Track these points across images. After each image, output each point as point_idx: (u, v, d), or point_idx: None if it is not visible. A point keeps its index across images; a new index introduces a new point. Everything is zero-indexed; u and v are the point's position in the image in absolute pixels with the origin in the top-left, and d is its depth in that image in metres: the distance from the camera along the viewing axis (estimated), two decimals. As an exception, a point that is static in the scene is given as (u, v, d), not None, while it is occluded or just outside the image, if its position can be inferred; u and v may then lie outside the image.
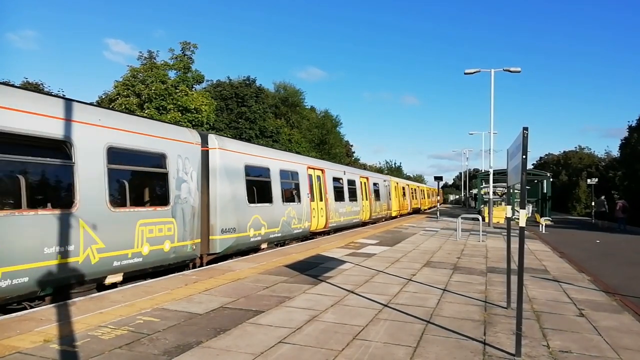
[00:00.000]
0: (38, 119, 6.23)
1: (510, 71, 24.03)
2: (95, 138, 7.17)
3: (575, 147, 71.67)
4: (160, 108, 25.32)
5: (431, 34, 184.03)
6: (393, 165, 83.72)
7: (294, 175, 14.82)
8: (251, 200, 11.74)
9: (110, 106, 23.97)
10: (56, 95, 9.85)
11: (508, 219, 7.13)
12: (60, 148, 6.64)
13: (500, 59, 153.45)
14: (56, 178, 7.00)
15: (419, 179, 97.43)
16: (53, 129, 6.44)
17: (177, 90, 26.30)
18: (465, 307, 6.44)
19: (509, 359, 4.46)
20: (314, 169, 16.74)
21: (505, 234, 7.24)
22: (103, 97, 27.61)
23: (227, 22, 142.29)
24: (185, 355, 4.34)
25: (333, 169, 19.30)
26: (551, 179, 35.57)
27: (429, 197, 56.54)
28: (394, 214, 30.84)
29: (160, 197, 8.79)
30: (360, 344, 4.78)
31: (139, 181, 8.65)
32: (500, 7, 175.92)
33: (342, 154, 51.58)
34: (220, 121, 32.59)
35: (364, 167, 58.16)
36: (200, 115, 27.01)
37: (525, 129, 4.67)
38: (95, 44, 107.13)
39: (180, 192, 9.04)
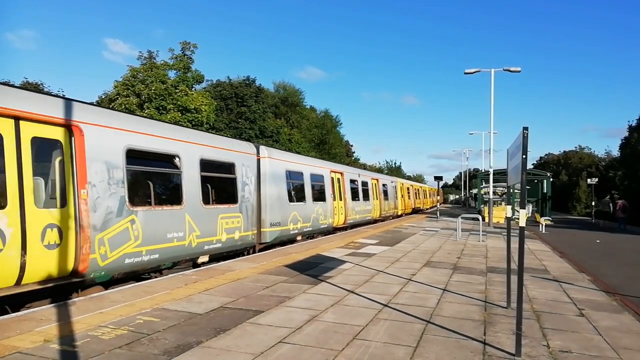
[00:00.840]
0: (161, 140, 8.60)
1: (510, 71, 24.04)
2: (193, 153, 9.46)
3: (576, 147, 71.75)
4: (160, 108, 25.32)
5: (431, 34, 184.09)
6: (393, 165, 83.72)
7: (320, 178, 17.10)
8: (290, 199, 14.06)
9: (110, 106, 23.97)
10: (165, 121, 13.68)
11: (508, 219, 7.13)
12: (173, 161, 8.94)
13: (500, 58, 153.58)
14: (171, 183, 9.20)
15: (419, 178, 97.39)
16: (169, 147, 8.81)
17: (177, 90, 26.29)
18: (465, 307, 6.44)
19: (509, 359, 4.46)
20: (335, 172, 18.89)
21: (505, 233, 7.24)
22: (103, 97, 27.59)
23: (226, 22, 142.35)
24: (185, 355, 4.34)
25: (350, 172, 21.64)
26: (551, 179, 35.56)
27: (428, 197, 56.55)
28: (400, 213, 33.12)
29: (232, 197, 10.97)
30: (360, 343, 4.78)
31: (218, 184, 10.74)
32: (500, 7, 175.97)
33: (342, 154, 51.58)
34: (220, 121, 32.59)
35: (363, 167, 58.14)
36: (200, 115, 27.01)
37: (525, 128, 4.67)
38: (94, 44, 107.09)
39: (244, 193, 11.38)
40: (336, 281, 8.04)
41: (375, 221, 25.03)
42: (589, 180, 34.77)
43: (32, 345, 4.47)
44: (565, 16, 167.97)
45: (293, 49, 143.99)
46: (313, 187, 16.14)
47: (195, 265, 9.59)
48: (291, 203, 14.01)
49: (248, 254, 11.56)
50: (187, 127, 15.30)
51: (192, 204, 9.18)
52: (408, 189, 38.81)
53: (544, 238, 18.89)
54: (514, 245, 6.37)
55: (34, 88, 26.06)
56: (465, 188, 72.42)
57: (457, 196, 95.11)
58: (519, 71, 24.04)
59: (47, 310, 5.73)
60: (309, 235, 15.69)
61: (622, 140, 43.41)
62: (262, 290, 7.21)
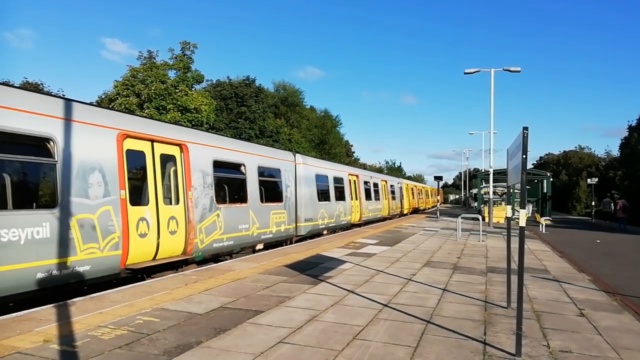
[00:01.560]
0: (233, 153, 11.35)
1: (510, 71, 24.02)
2: (253, 162, 12.07)
3: (576, 147, 71.77)
4: (160, 108, 25.27)
5: (429, 34, 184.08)
6: (393, 165, 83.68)
7: (341, 180, 19.55)
8: (319, 199, 16.58)
9: (110, 106, 23.95)
10: (232, 136, 18.38)
11: (508, 219, 7.13)
12: (240, 168, 11.56)
13: (500, 58, 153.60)
14: (239, 185, 11.66)
15: (418, 178, 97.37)
16: (240, 158, 11.56)
17: (176, 90, 26.25)
18: (465, 307, 6.43)
19: (509, 359, 4.46)
20: (352, 175, 21.43)
21: (505, 233, 7.23)
22: (103, 96, 27.56)
23: (225, 22, 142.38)
24: (185, 355, 4.33)
25: (363, 174, 24.35)
26: (551, 179, 35.56)
27: (429, 196, 56.54)
28: (405, 212, 35.51)
29: (278, 196, 13.54)
30: (360, 343, 4.77)
31: (269, 186, 13.14)
32: (500, 7, 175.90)
33: (342, 154, 51.58)
34: (220, 121, 32.56)
35: (363, 166, 58.13)
36: (200, 115, 26.98)
37: (525, 128, 4.66)
38: (91, 43, 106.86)
39: (287, 193, 14.06)
40: (336, 281, 8.04)
41: (384, 219, 27.59)
42: (589, 180, 34.75)
43: (31, 346, 4.47)
44: (564, 16, 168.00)
45: (292, 49, 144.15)
46: (336, 188, 18.53)
47: (254, 251, 12.18)
48: (319, 202, 16.50)
49: (286, 244, 14.03)
50: (221, 135, 18.40)
51: (253, 202, 11.81)
52: (412, 189, 41.54)
53: (544, 238, 18.89)
54: (514, 245, 6.37)
55: (35, 88, 26.05)
56: (465, 188, 72.37)
57: (457, 196, 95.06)
58: (519, 71, 24.02)
59: (46, 310, 5.73)
60: (333, 230, 18.43)
61: (622, 140, 43.49)
62: (262, 290, 7.20)
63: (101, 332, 4.94)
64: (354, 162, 57.51)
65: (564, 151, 73.35)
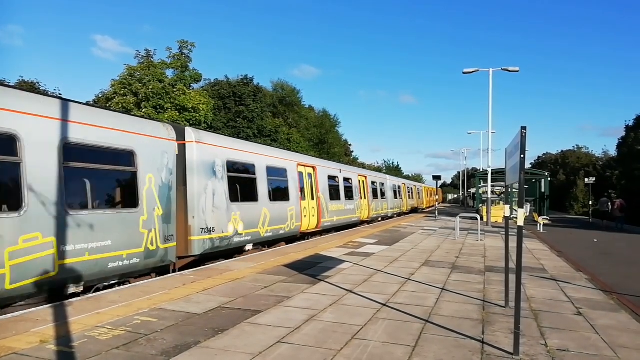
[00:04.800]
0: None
1: (509, 71, 24.06)
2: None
3: (573, 147, 71.89)
4: (158, 107, 25.20)
5: (428, 33, 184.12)
6: (391, 165, 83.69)
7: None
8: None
9: (107, 105, 23.88)
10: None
11: (506, 218, 7.12)
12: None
13: (498, 58, 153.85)
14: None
15: (417, 178, 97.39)
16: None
17: (174, 89, 26.18)
18: (463, 306, 6.43)
19: (507, 358, 4.46)
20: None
21: (504, 233, 7.24)
22: (100, 96, 27.48)
23: (220, 21, 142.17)
24: (184, 356, 4.32)
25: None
26: (549, 178, 35.64)
27: (428, 196, 56.58)
28: (405, 210, 37.41)
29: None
30: (359, 343, 4.77)
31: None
32: (499, 6, 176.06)
33: (341, 154, 51.57)
34: (218, 120, 32.50)
35: (362, 166, 58.05)
36: (197, 115, 26.92)
37: (524, 128, 4.66)
38: (82, 41, 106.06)
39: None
40: (335, 281, 8.03)
41: (391, 216, 31.28)
42: (586, 179, 34.87)
43: (28, 346, 4.45)
44: (563, 16, 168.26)
45: (287, 47, 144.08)
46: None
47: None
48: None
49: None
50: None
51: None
52: (415, 189, 45.38)
53: (542, 237, 18.92)
54: (512, 244, 6.37)
55: (30, 87, 25.95)
56: (463, 187, 72.48)
57: (456, 196, 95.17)
58: (517, 71, 24.07)
59: (43, 311, 5.70)
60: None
61: (619, 139, 43.60)
62: (260, 290, 7.19)
63: (98, 332, 4.92)
64: (353, 162, 57.40)
65: (562, 151, 73.51)
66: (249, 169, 12.06)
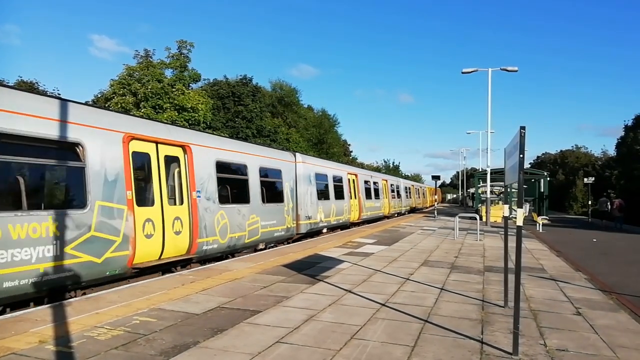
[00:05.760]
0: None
1: (508, 70, 24.07)
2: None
3: (572, 147, 71.89)
4: (157, 107, 25.18)
5: (427, 32, 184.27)
6: (390, 165, 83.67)
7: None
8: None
9: (106, 105, 23.86)
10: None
11: (505, 218, 7.12)
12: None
13: (497, 57, 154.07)
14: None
15: (416, 178, 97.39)
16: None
17: (173, 89, 26.15)
18: (462, 306, 6.43)
19: (506, 358, 4.46)
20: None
21: (503, 232, 7.24)
22: (99, 95, 27.44)
23: (217, 20, 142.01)
24: (183, 356, 4.31)
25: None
26: (548, 178, 35.65)
27: (427, 196, 56.62)
28: (409, 209, 41.40)
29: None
30: (358, 343, 4.77)
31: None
32: (498, 6, 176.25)
33: (340, 154, 51.57)
34: (217, 120, 32.47)
35: (361, 166, 58.08)
36: (196, 114, 26.90)
37: (523, 128, 4.66)
38: (79, 40, 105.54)
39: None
40: (334, 281, 8.03)
41: (401, 214, 35.61)
42: (585, 179, 34.88)
43: (27, 347, 4.44)
44: (562, 15, 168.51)
45: (285, 47, 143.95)
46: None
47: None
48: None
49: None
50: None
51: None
52: (421, 189, 50.08)
53: (541, 237, 18.93)
54: (512, 244, 6.37)
55: (29, 87, 25.92)
56: (462, 187, 72.51)
57: (455, 195, 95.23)
58: (516, 71, 24.09)
59: (42, 311, 5.69)
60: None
61: (618, 139, 43.63)
62: (259, 290, 7.19)
63: (97, 332, 4.92)
64: (352, 162, 57.43)
65: (561, 150, 73.51)
66: (325, 178, 18.15)
